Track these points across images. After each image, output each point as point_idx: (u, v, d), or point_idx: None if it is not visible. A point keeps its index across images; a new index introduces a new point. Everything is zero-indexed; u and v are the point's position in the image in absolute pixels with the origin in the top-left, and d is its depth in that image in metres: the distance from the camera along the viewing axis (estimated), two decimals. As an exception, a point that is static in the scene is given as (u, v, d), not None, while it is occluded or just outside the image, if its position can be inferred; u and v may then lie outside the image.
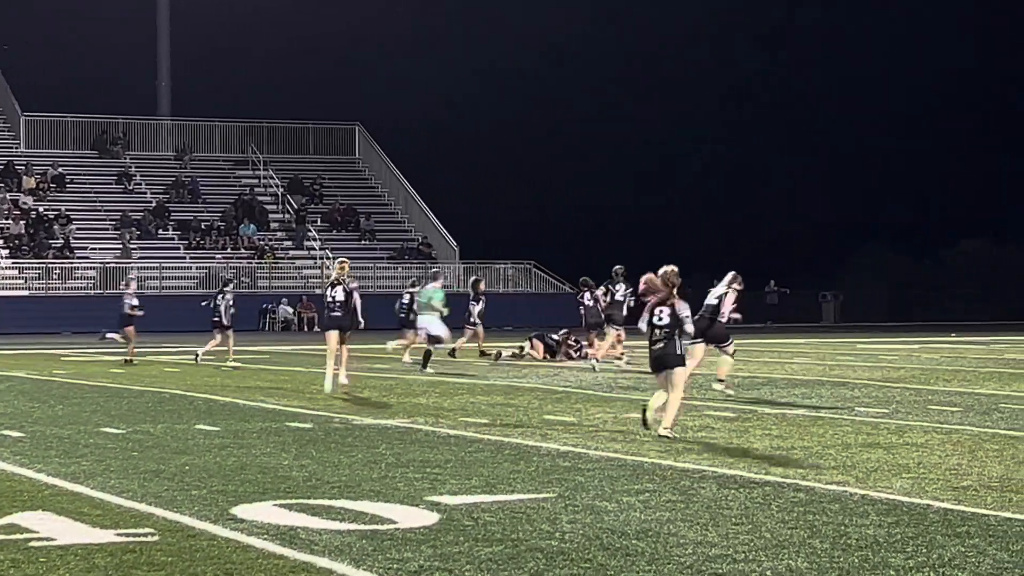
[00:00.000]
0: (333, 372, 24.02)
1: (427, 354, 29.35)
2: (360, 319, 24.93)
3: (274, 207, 69.53)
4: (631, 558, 9.35)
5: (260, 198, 69.50)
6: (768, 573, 8.90)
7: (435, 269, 37.62)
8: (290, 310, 61.77)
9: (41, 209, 64.99)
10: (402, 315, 34.29)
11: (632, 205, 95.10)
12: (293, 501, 11.60)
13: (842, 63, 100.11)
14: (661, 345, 16.21)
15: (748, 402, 20.94)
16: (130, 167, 70.13)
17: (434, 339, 29.98)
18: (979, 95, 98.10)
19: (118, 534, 10.18)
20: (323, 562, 9.26)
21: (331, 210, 69.52)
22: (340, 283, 24.74)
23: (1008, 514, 10.86)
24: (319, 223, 68.41)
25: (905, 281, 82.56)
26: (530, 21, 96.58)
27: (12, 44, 77.47)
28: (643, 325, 16.54)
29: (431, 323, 30.30)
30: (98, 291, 60.68)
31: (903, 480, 12.63)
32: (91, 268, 61.83)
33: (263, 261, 64.56)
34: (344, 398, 22.12)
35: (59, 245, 62.72)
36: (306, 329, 60.28)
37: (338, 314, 24.52)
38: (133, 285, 35.54)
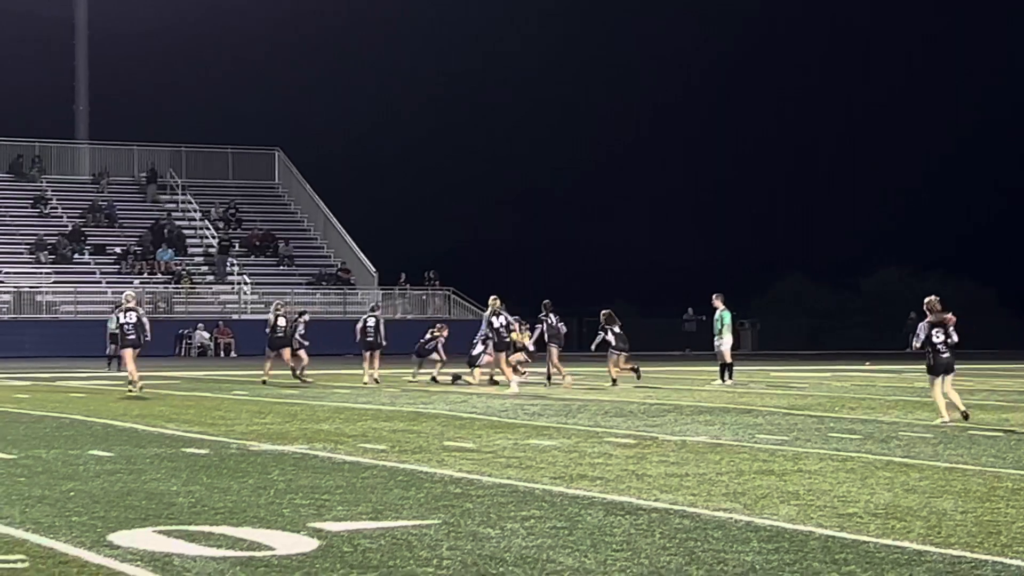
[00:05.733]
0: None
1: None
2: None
3: (191, 232, 69.14)
4: (505, 585, 9.29)
5: (177, 223, 69.11)
6: (641, 600, 8.85)
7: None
8: (206, 335, 61.39)
9: (-45, 233, 64.45)
10: (369, 338, 35.36)
11: (554, 234, 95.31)
12: (173, 527, 11.45)
13: (767, 93, 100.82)
14: (948, 355, 21.74)
15: (650, 428, 20.93)
16: (46, 191, 69.62)
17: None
18: (902, 128, 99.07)
19: (-13, 561, 10.02)
20: (192, 589, 9.14)
21: (250, 235, 69.23)
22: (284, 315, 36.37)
23: (888, 541, 10.87)
24: (237, 248, 68.09)
25: (825, 309, 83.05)
26: (450, 48, 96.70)
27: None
28: (917, 344, 21.93)
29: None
30: (12, 315, 60.17)
31: (790, 507, 12.63)
32: (5, 292, 61.25)
33: (180, 287, 64.16)
34: (248, 425, 21.97)
35: (-27, 269, 62.18)
36: (222, 355, 59.93)
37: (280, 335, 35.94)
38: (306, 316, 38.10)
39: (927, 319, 22.15)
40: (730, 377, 35.06)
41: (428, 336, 36.67)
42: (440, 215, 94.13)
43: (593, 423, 22.13)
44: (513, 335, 33.18)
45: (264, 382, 34.30)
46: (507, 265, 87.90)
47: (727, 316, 35.93)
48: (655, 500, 13.08)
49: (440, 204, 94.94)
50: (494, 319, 31.82)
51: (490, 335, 32.21)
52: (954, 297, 77.77)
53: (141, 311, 31.34)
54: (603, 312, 35.88)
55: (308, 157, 76.16)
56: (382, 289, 66.47)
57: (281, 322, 35.88)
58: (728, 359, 35.38)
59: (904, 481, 14.54)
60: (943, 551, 10.47)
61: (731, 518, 11.97)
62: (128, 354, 30.16)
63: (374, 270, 67.91)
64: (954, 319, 22.17)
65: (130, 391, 29.49)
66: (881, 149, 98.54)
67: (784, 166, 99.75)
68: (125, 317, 30.28)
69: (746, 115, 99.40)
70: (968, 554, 10.35)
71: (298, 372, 35.57)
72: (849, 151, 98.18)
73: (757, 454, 17.23)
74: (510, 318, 32.74)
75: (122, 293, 55.36)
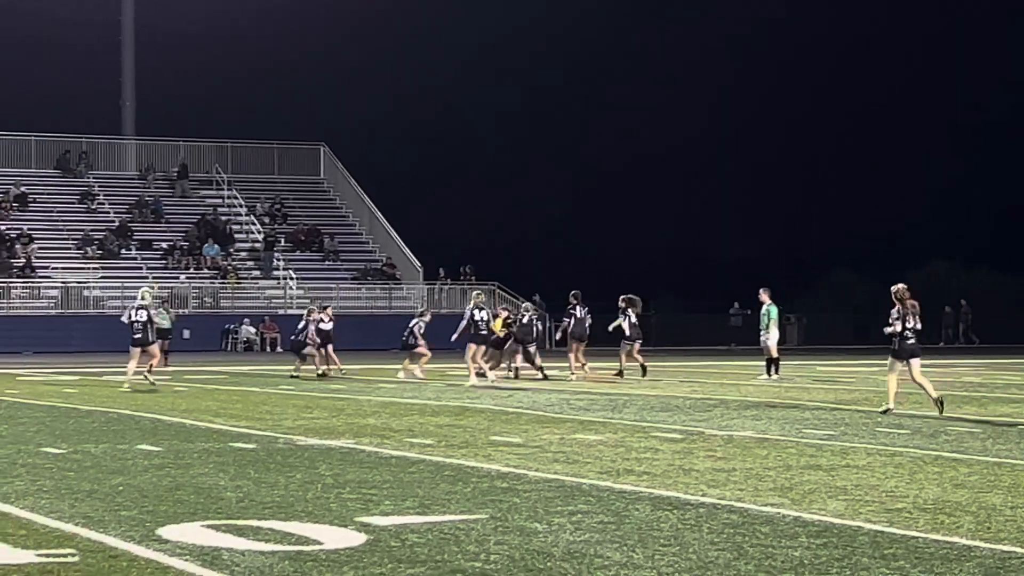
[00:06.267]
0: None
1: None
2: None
3: (237, 227, 69.34)
4: (553, 580, 9.29)
5: (224, 218, 69.34)
6: (689, 595, 8.84)
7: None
8: (252, 330, 61.57)
9: (3, 228, 64.70)
10: (402, 337, 35.66)
11: (599, 228, 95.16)
12: (221, 522, 11.49)
13: (808, 86, 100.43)
14: (913, 341, 22.39)
15: (696, 423, 20.89)
16: (93, 186, 69.96)
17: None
18: (948, 118, 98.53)
19: (38, 555, 10.06)
20: (241, 583, 9.17)
21: (295, 230, 69.40)
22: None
23: (937, 536, 10.83)
24: (283, 243, 68.27)
25: (872, 303, 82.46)
26: (491, 44, 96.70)
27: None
28: (897, 328, 22.42)
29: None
30: (60, 311, 60.49)
31: (838, 502, 12.59)
32: (53, 288, 61.58)
33: (226, 282, 64.38)
34: (294, 420, 22.02)
35: (21, 264, 62.43)
36: (268, 349, 60.10)
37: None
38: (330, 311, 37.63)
39: (897, 307, 22.54)
40: (776, 372, 34.95)
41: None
42: (484, 210, 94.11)
43: (639, 418, 22.12)
44: (495, 325, 33.86)
45: (292, 376, 34.99)
46: (552, 259, 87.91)
47: (773, 310, 35.79)
48: (702, 495, 13.06)
49: (483, 198, 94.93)
50: (476, 312, 32.36)
51: (470, 327, 32.90)
52: (996, 290, 77.37)
53: (153, 311, 31.42)
54: (623, 297, 35.85)
55: (353, 152, 76.32)
56: (427, 284, 66.51)
57: (301, 326, 36.60)
58: (774, 354, 35.26)
59: (953, 476, 14.48)
60: (993, 546, 10.42)
61: (779, 513, 11.95)
62: (136, 353, 30.36)
63: (419, 265, 67.95)
64: (917, 305, 22.75)
65: (150, 382, 29.82)
66: (927, 141, 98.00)
67: (830, 159, 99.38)
68: (136, 315, 30.31)
69: (792, 107, 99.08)
70: (1018, 549, 10.30)
71: (320, 370, 35.55)
72: (897, 142, 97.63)
73: (804, 449, 17.18)
74: (489, 315, 33.46)
75: (170, 288, 55.37)
